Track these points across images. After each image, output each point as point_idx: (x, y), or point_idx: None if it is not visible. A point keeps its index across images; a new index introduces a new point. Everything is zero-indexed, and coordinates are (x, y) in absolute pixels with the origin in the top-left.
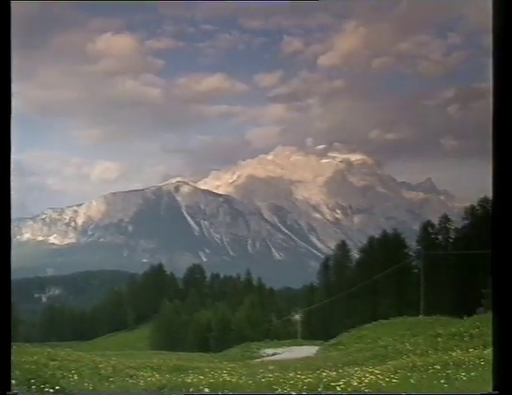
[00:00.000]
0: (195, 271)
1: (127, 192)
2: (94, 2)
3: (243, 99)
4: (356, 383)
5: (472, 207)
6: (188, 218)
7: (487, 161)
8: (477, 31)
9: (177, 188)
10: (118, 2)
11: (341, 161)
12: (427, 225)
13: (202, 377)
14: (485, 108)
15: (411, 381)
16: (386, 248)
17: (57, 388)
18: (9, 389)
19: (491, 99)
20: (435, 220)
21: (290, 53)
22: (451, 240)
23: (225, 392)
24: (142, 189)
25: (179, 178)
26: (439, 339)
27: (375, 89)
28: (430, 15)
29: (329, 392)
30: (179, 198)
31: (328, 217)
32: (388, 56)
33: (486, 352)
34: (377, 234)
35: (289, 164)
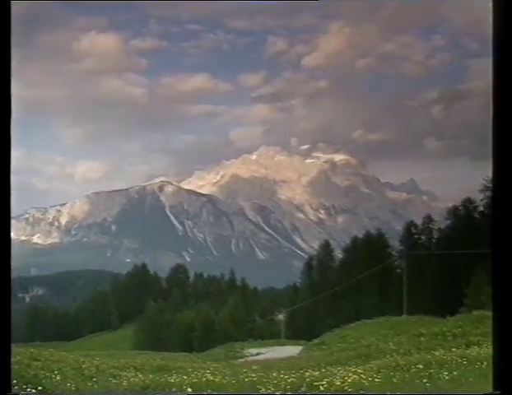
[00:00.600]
0: (179, 271)
1: (110, 191)
2: (80, 2)
3: (227, 99)
4: (338, 383)
5: (455, 208)
6: (172, 218)
7: (470, 162)
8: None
9: (161, 188)
10: (105, 2)
11: (325, 161)
12: (410, 226)
13: (185, 377)
14: (467, 109)
15: (394, 380)
16: (369, 248)
17: (39, 388)
18: (10, 390)
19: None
20: (418, 221)
21: (275, 54)
22: (434, 240)
23: (209, 391)
24: (126, 189)
25: (162, 178)
26: (422, 339)
27: (359, 89)
28: (414, 17)
29: (321, 393)
30: (162, 198)
31: (312, 217)
32: (372, 57)
33: (468, 351)
34: (360, 234)
35: (273, 164)
